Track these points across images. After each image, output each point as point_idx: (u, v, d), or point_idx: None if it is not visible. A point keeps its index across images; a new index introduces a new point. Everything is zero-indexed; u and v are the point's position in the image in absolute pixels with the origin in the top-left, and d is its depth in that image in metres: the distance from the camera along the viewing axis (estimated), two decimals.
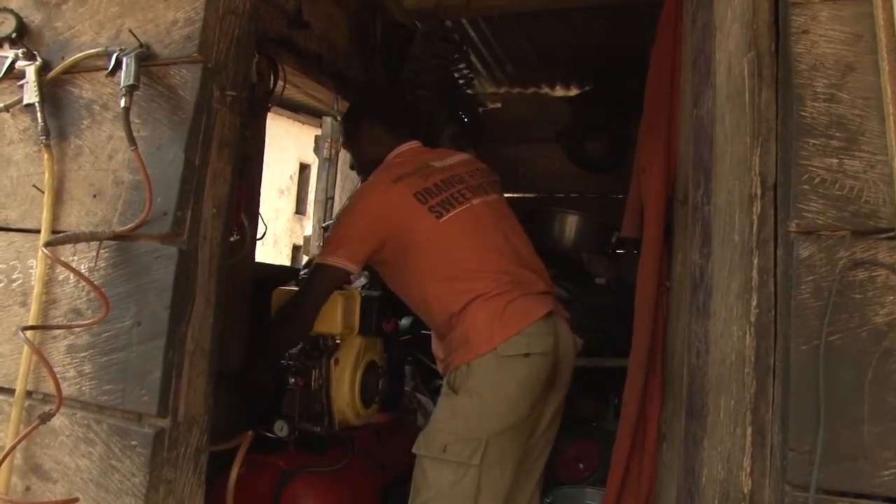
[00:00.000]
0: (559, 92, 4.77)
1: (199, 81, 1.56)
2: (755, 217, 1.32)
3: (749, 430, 1.28)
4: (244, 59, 1.67)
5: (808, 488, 1.13)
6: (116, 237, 1.55)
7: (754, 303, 1.30)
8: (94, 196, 1.62)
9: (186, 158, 1.53)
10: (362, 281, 2.86)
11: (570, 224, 4.04)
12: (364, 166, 2.60)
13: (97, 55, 1.63)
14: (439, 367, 2.40)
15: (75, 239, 1.53)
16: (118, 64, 1.56)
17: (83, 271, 1.57)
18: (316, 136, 3.52)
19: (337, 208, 3.41)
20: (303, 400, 2.32)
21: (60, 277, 1.62)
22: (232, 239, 1.82)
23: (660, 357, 2.18)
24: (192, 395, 1.54)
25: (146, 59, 1.58)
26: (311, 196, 3.39)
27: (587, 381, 3.84)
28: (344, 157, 3.50)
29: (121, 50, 1.58)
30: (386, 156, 2.52)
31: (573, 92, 4.71)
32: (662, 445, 2.14)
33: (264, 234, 2.60)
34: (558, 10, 3.66)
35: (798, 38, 1.24)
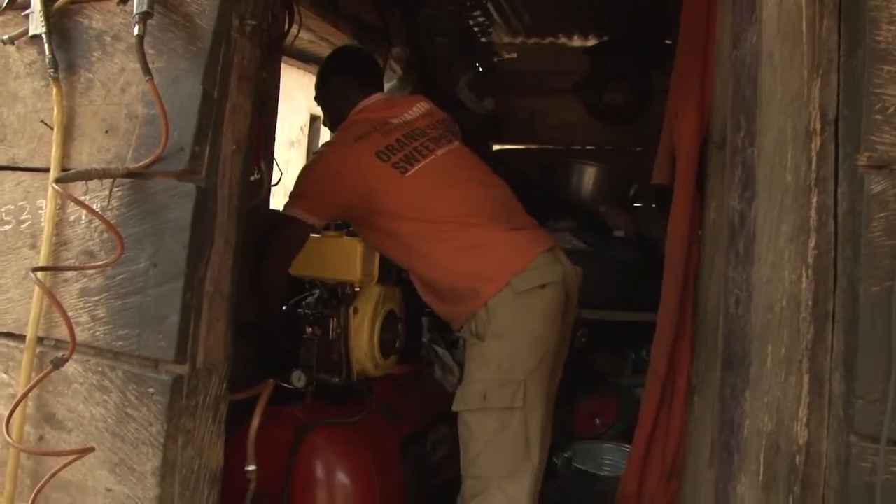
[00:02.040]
0: (577, 42, 4.63)
1: (218, 9, 1.46)
2: (814, 153, 1.23)
3: (806, 379, 1.21)
4: None
5: (877, 439, 1.06)
6: (130, 174, 1.47)
7: (812, 244, 1.22)
8: (107, 131, 1.53)
9: (204, 91, 1.44)
10: None
11: (589, 176, 3.96)
12: (334, 122, 2.54)
13: None
14: (452, 325, 2.36)
15: (87, 176, 1.45)
16: None
17: (97, 211, 1.49)
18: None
19: None
20: (320, 350, 2.26)
21: (71, 218, 1.54)
22: (252, 178, 1.73)
23: (690, 308, 2.11)
24: (212, 341, 1.47)
25: None
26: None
27: (604, 336, 3.82)
28: None
29: None
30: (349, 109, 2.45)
31: (591, 42, 4.58)
32: (693, 398, 2.07)
33: (279, 180, 2.52)
34: None
35: None
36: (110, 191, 1.48)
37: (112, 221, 1.47)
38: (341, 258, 2.24)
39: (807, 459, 1.23)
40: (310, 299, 2.34)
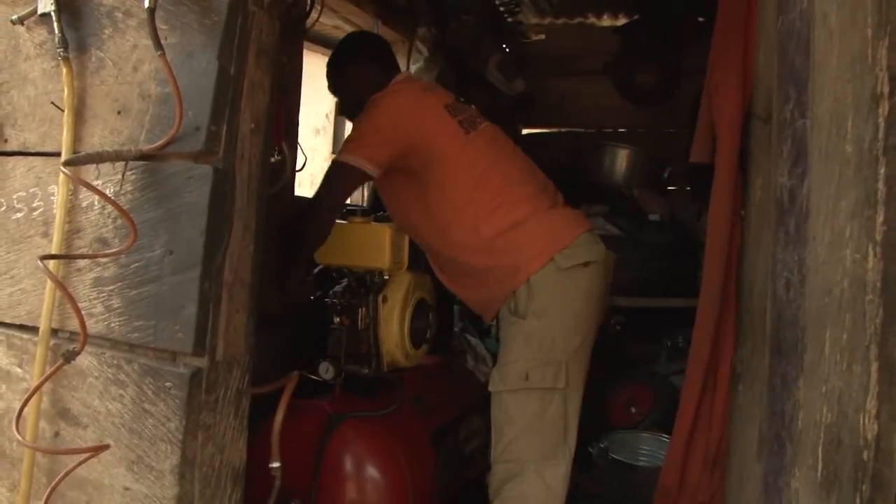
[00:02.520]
0: (606, 22, 4.50)
1: None
2: (881, 119, 1.12)
3: (875, 367, 1.11)
4: None
5: None
6: (144, 156, 1.39)
7: (880, 219, 1.11)
8: (119, 112, 1.46)
9: (220, 66, 1.35)
10: None
11: (622, 159, 3.85)
12: (355, 111, 2.41)
13: None
14: (484, 317, 2.29)
15: (98, 158, 1.38)
16: None
17: (110, 196, 1.42)
18: None
19: None
20: (349, 340, 2.18)
21: (84, 204, 1.47)
22: (273, 160, 1.65)
23: (734, 291, 2.00)
24: (232, 332, 1.39)
25: None
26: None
27: (639, 323, 3.71)
28: None
29: None
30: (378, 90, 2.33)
31: (621, 21, 4.44)
32: (737, 386, 1.97)
33: (304, 165, 2.45)
34: None
35: None
36: (123, 174, 1.40)
37: (125, 207, 1.39)
38: (370, 245, 2.17)
39: (876, 455, 1.12)
40: (337, 288, 2.26)
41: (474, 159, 2.15)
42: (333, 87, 2.55)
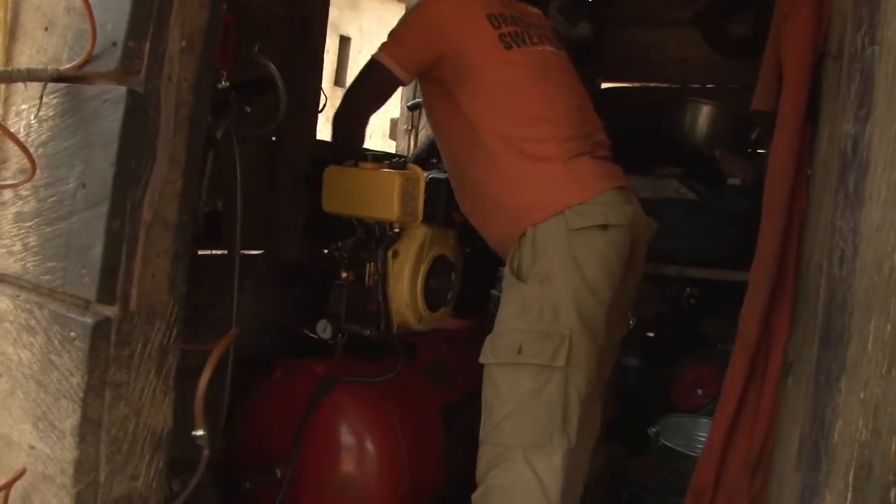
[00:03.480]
0: None
1: None
2: None
3: None
4: None
5: None
6: (60, 77, 1.21)
7: None
8: (46, 29, 1.28)
9: None
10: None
11: (703, 116, 3.49)
12: None
13: None
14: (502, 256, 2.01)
15: (7, 78, 1.21)
16: None
17: (32, 122, 1.26)
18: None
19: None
20: (352, 297, 1.99)
21: (13, 129, 1.31)
22: (220, 86, 1.45)
23: (793, 265, 1.69)
24: (151, 279, 1.21)
25: None
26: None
27: (715, 296, 3.36)
28: None
29: None
30: None
31: None
32: (788, 379, 1.66)
33: (324, 106, 2.25)
34: None
35: None
36: (41, 98, 1.23)
37: (47, 134, 1.24)
38: (378, 193, 1.95)
39: None
40: (347, 241, 2.06)
41: (506, 80, 1.94)
42: None
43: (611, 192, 1.83)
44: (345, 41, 12.92)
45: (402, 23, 2.05)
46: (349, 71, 12.65)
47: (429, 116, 2.16)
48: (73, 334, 1.17)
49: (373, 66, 2.01)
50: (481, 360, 1.78)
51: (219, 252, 1.94)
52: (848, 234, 1.22)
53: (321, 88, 2.32)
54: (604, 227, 1.76)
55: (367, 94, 2.08)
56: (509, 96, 1.93)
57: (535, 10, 2.21)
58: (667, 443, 2.61)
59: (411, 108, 2.94)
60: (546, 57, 2.03)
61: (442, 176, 2.10)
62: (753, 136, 3.42)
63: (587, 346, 1.72)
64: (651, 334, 3.78)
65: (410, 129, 2.97)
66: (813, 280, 1.52)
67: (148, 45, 1.17)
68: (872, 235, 1.03)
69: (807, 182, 1.67)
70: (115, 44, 1.16)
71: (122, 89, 1.15)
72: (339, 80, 12.90)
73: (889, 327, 0.90)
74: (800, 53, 1.63)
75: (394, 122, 3.11)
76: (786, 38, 1.67)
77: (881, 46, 1.13)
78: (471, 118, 1.92)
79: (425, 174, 2.04)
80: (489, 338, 1.80)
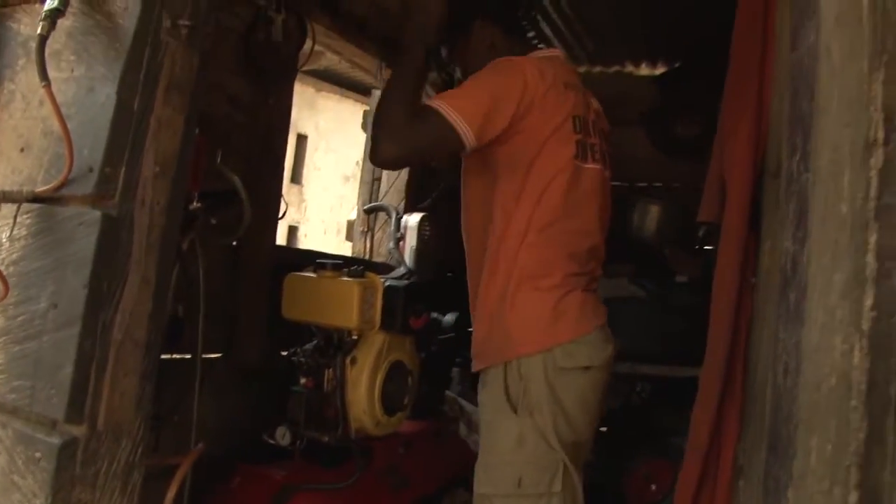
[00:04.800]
0: (645, 70, 4.31)
1: (142, 6, 1.23)
2: (874, 172, 0.90)
3: (854, 497, 0.86)
4: None
5: None
6: (36, 199, 1.24)
7: (869, 303, 0.88)
8: (22, 150, 1.32)
9: (119, 101, 1.21)
10: (401, 270, 2.51)
11: (653, 215, 3.63)
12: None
13: None
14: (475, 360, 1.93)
15: None
16: None
17: (3, 241, 1.28)
18: (364, 111, 3.21)
19: (384, 188, 3.07)
20: (312, 403, 2.00)
21: None
22: (191, 208, 1.49)
23: (741, 369, 1.74)
24: (119, 398, 1.22)
25: None
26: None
27: (665, 391, 3.43)
28: None
29: None
30: None
31: (660, 70, 4.24)
32: (739, 482, 1.70)
33: (284, 213, 2.30)
34: None
35: None
36: (15, 217, 1.26)
37: (18, 253, 1.26)
38: (337, 301, 1.98)
39: None
40: (307, 347, 2.08)
41: (558, 195, 1.79)
42: (452, 52, 2.06)
43: (596, 332, 1.84)
44: (302, 139, 13.12)
45: (483, 78, 1.77)
46: (305, 168, 12.79)
47: (463, 188, 2.00)
48: (38, 454, 1.17)
49: (435, 115, 1.70)
50: (478, 489, 1.77)
51: (178, 357, 1.94)
52: (791, 348, 1.28)
53: (282, 194, 2.38)
54: (587, 367, 1.79)
55: (422, 140, 1.75)
56: (549, 214, 1.79)
57: (596, 104, 2.08)
58: None
59: (367, 212, 3.01)
60: (600, 182, 1.91)
61: (399, 284, 2.15)
62: (700, 234, 3.55)
63: (575, 467, 1.76)
64: (604, 429, 3.81)
65: (366, 231, 3.03)
66: (759, 386, 1.57)
67: (123, 171, 1.22)
68: (812, 355, 1.09)
69: (752, 290, 1.76)
70: (91, 169, 1.21)
71: (97, 213, 1.19)
72: (295, 178, 12.98)
73: (829, 447, 0.95)
74: (741, 170, 1.73)
75: (350, 224, 3.17)
76: (728, 155, 1.77)
77: (814, 175, 1.22)
78: (504, 217, 1.81)
79: (383, 282, 2.08)
80: (482, 465, 1.79)
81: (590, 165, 1.87)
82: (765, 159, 1.74)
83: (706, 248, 3.66)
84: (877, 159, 0.89)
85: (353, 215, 3.17)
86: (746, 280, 1.76)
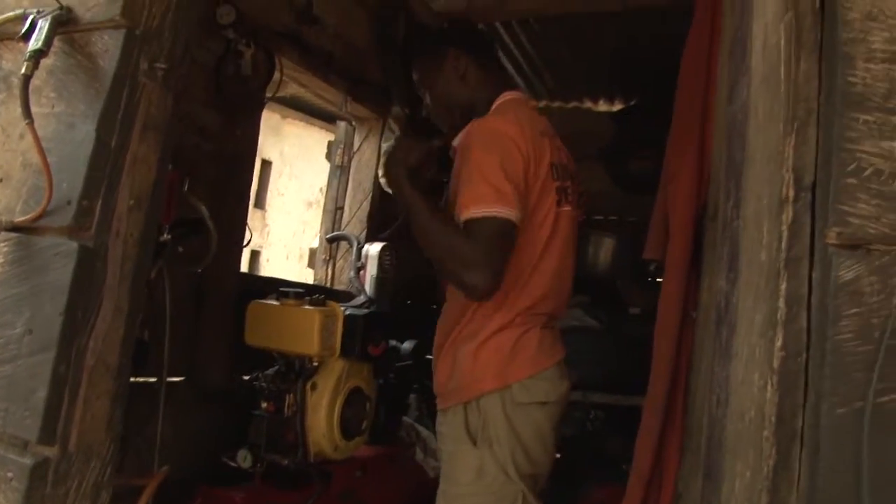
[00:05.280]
0: (602, 107, 4.46)
1: (121, 50, 1.31)
2: (784, 228, 1.00)
3: None
4: (183, 28, 1.42)
5: None
6: (14, 228, 1.30)
7: (779, 343, 0.98)
8: (0, 180, 1.38)
9: (98, 138, 1.28)
10: (362, 298, 2.59)
11: (606, 248, 3.74)
12: (444, 110, 2.08)
13: (16, 18, 1.40)
14: (435, 387, 1.98)
15: None
16: (32, 27, 1.33)
17: None
18: (329, 142, 3.29)
19: (346, 218, 3.16)
20: (272, 428, 2.06)
21: None
22: (162, 239, 1.56)
23: (681, 400, 1.85)
24: (90, 420, 1.28)
25: (66, 23, 1.35)
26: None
27: (619, 418, 3.53)
28: (358, 165, 3.25)
29: (38, 12, 1.34)
30: (479, 101, 2.00)
31: (617, 107, 4.40)
32: None
33: (249, 241, 2.37)
34: (601, 14, 3.37)
35: None
36: None
37: None
38: (298, 329, 2.06)
39: None
40: (268, 372, 2.14)
41: (540, 245, 1.87)
42: (423, 77, 2.11)
43: (553, 369, 1.90)
44: (266, 164, 13.14)
45: (485, 163, 1.76)
46: (269, 194, 12.77)
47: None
48: (10, 475, 1.22)
49: (492, 223, 1.70)
50: None
51: (142, 380, 1.99)
52: (722, 381, 1.39)
53: (247, 222, 2.44)
54: (543, 403, 1.86)
55: (501, 256, 1.73)
56: (530, 260, 1.86)
57: (561, 144, 2.10)
58: None
59: (329, 241, 3.09)
60: (572, 222, 1.99)
61: (359, 312, 2.22)
62: (652, 268, 3.67)
63: (534, 500, 1.83)
64: (557, 455, 3.90)
65: (328, 259, 3.10)
66: (697, 416, 1.68)
67: (100, 204, 1.29)
68: (738, 388, 1.19)
69: (692, 324, 1.87)
70: (69, 202, 1.27)
71: (74, 244, 1.26)
72: (259, 203, 12.96)
73: (749, 473, 1.05)
74: (683, 211, 1.85)
75: (312, 252, 3.24)
76: (671, 197, 1.89)
77: (743, 221, 1.33)
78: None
79: (343, 310, 2.16)
80: (443, 494, 1.84)
81: (565, 209, 1.94)
82: (706, 203, 1.86)
83: (658, 280, 3.79)
84: (787, 215, 0.99)
85: (315, 243, 3.24)
86: (688, 315, 1.88)
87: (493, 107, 1.98)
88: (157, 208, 1.39)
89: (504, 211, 1.71)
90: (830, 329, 0.89)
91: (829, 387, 0.88)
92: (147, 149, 1.35)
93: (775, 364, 0.97)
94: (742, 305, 1.26)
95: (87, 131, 1.29)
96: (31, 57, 1.28)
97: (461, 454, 1.85)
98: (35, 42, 1.29)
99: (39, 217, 1.28)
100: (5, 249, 1.33)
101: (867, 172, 0.89)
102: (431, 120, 2.23)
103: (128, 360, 1.34)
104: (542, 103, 4.42)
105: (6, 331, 1.29)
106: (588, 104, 4.45)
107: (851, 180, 0.90)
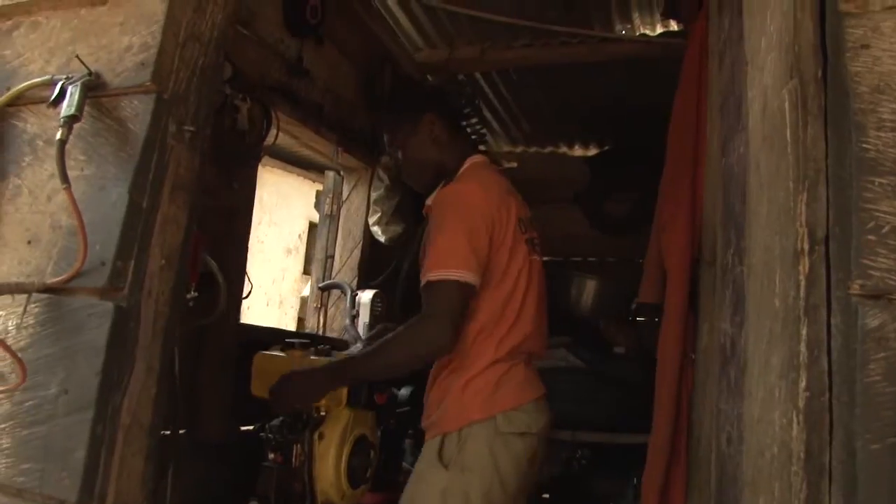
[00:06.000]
0: (577, 152, 4.58)
1: (152, 114, 1.36)
2: (802, 278, 1.07)
3: None
4: (208, 92, 1.47)
5: None
6: (46, 289, 1.33)
7: (803, 384, 1.04)
8: (29, 242, 1.40)
9: (131, 200, 1.32)
10: (358, 345, 2.62)
11: (589, 289, 3.83)
12: (416, 170, 2.20)
13: (43, 84, 1.43)
14: (423, 419, 2.09)
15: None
16: (62, 93, 1.37)
17: (10, 329, 1.35)
18: (318, 192, 3.34)
19: (338, 266, 3.20)
20: (281, 478, 2.07)
21: None
22: (189, 296, 1.59)
23: (684, 439, 1.91)
24: (126, 478, 1.29)
25: (94, 88, 1.39)
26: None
27: (605, 458, 3.57)
28: (347, 214, 3.30)
29: (67, 78, 1.39)
30: (449, 163, 2.13)
31: (592, 152, 4.52)
32: None
33: (249, 292, 2.39)
34: (575, 64, 3.49)
35: (856, 54, 1.02)
36: (25, 307, 1.33)
37: (25, 341, 1.33)
38: None
39: None
40: (274, 422, 2.15)
41: (520, 294, 2.00)
42: (396, 137, 2.21)
43: (535, 403, 2.00)
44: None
45: (455, 227, 1.90)
46: (249, 242, 12.66)
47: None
48: None
49: (433, 287, 1.87)
50: None
51: None
52: (733, 419, 1.45)
53: (246, 273, 2.47)
54: (523, 434, 1.93)
55: (454, 312, 1.86)
56: (511, 299, 1.97)
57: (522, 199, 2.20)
58: None
59: (322, 289, 3.13)
60: (540, 268, 2.11)
61: None
62: (634, 307, 3.76)
63: None
64: (546, 496, 3.93)
65: (320, 308, 3.14)
66: (703, 453, 1.74)
67: (132, 264, 1.32)
68: (755, 426, 1.25)
69: (692, 365, 1.93)
70: (103, 263, 1.30)
71: (109, 304, 1.28)
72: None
73: None
74: (678, 258, 1.93)
75: (304, 300, 3.27)
76: (666, 245, 1.98)
77: (748, 269, 1.41)
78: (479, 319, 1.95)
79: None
80: None
81: (534, 258, 2.09)
82: (700, 248, 1.94)
83: (639, 319, 3.87)
84: (804, 266, 1.06)
85: (306, 291, 3.27)
86: (687, 356, 1.94)
87: (462, 170, 2.12)
88: (186, 267, 1.42)
89: (463, 275, 1.85)
90: (860, 372, 0.95)
91: (862, 425, 0.94)
92: (176, 209, 1.39)
93: (801, 403, 1.04)
94: (754, 348, 1.32)
95: (119, 193, 1.32)
96: (65, 123, 1.31)
97: (429, 475, 1.93)
98: (68, 108, 1.33)
99: (73, 278, 1.31)
100: (36, 310, 1.35)
101: (885, 230, 0.97)
102: (402, 178, 2.36)
103: (160, 418, 1.36)
104: (520, 148, 4.52)
105: (39, 391, 1.30)
106: (564, 149, 4.57)
107: (871, 237, 0.98)
